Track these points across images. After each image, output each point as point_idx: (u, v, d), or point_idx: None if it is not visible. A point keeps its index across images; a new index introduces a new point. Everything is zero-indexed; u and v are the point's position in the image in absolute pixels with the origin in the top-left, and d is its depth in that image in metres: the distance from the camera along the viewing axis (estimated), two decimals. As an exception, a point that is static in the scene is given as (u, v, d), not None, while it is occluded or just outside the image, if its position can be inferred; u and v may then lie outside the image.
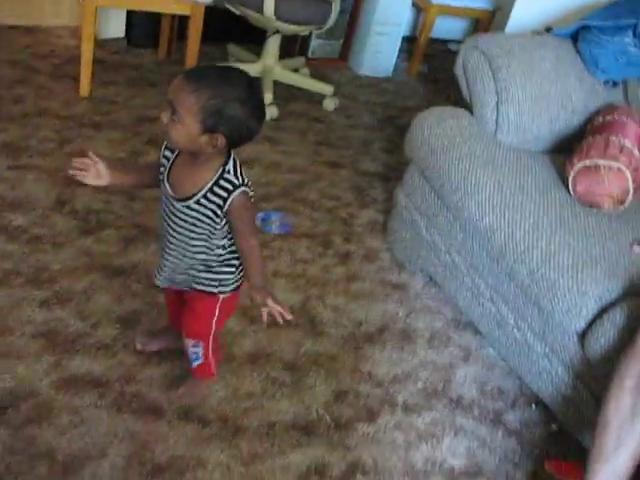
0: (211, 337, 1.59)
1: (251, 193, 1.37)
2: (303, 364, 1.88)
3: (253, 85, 1.29)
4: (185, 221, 1.38)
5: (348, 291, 2.19)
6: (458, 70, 2.34)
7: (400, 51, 3.97)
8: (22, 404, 1.58)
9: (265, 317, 1.41)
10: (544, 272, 1.75)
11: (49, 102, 2.80)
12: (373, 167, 2.93)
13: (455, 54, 2.33)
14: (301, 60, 3.59)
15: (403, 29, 3.83)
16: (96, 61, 2.93)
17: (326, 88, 3.31)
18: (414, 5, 3.86)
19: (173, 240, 1.43)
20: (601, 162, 1.89)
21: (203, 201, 1.34)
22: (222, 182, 1.33)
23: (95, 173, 1.39)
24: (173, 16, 3.28)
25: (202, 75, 1.26)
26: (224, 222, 1.38)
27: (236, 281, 1.50)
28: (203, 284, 1.48)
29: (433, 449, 1.73)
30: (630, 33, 2.23)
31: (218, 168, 1.33)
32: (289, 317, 1.40)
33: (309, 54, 3.78)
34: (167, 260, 1.47)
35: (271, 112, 3.05)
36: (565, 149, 2.26)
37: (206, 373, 1.69)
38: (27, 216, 2.15)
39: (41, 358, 1.70)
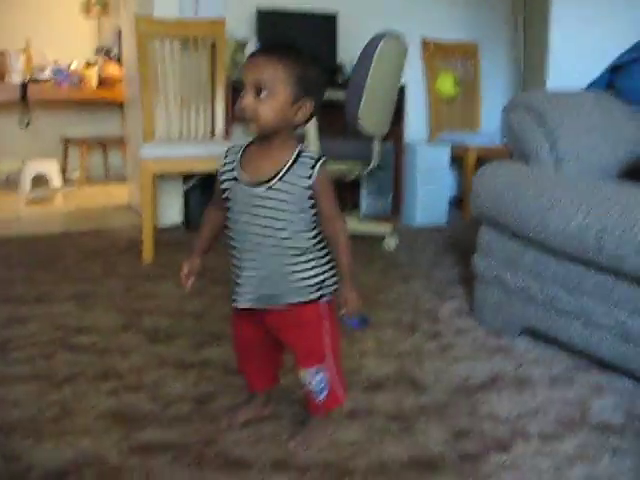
0: (328, 355, 1.39)
1: None
2: (409, 414, 1.59)
3: (313, 52, 1.35)
4: (270, 208, 1.29)
5: (445, 357, 1.93)
6: (506, 135, 2.32)
7: (450, 204, 4.03)
8: (86, 470, 1.34)
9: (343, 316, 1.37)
10: (656, 241, 1.54)
11: (114, 267, 2.83)
12: (447, 277, 2.78)
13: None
14: (356, 213, 3.66)
15: (449, 174, 3.92)
16: (157, 243, 3.02)
17: (384, 227, 3.29)
18: (454, 159, 3.99)
19: (257, 239, 1.31)
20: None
21: (287, 177, 1.28)
22: (303, 155, 1.31)
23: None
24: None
25: (276, 48, 1.28)
26: (312, 202, 1.30)
27: (335, 276, 1.37)
28: (300, 292, 1.34)
29: (592, 467, 1.37)
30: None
31: (294, 148, 1.31)
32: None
33: (361, 215, 3.85)
34: (250, 270, 1.34)
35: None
36: (633, 176, 2.14)
37: (335, 401, 1.44)
38: (93, 336, 2.04)
39: (109, 432, 1.48)
